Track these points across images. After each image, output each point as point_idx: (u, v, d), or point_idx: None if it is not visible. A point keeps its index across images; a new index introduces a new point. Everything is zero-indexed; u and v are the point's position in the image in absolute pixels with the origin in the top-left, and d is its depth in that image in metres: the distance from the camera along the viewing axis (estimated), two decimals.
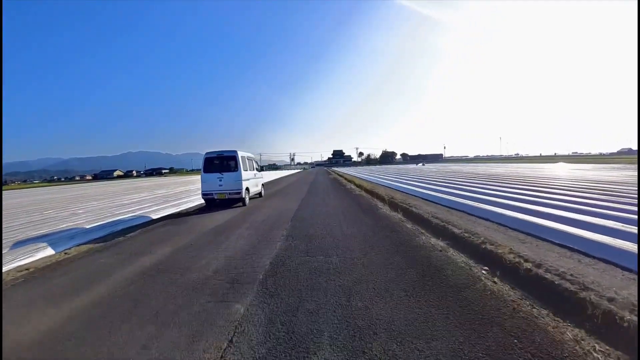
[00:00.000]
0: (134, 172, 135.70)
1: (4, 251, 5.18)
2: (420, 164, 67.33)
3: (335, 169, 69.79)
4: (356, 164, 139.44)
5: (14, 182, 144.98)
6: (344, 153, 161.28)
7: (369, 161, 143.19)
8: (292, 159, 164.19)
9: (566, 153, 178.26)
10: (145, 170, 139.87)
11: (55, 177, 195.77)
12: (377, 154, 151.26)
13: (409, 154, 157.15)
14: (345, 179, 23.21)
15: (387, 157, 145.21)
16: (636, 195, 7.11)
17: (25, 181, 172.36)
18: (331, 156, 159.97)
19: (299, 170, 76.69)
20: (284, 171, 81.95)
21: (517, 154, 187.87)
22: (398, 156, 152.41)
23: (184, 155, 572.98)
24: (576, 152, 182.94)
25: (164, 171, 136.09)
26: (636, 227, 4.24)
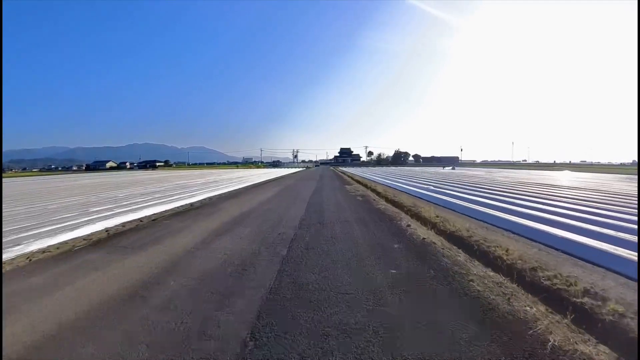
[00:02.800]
0: (127, 164, 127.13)
1: None
2: (450, 168, 56.27)
3: (345, 169, 59.38)
4: (365, 164, 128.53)
5: (12, 170, 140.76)
6: (352, 152, 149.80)
7: (379, 162, 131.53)
8: (296, 157, 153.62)
9: (577, 161, 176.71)
10: (139, 163, 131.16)
11: (52, 166, 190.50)
12: (386, 153, 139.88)
13: (421, 155, 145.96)
14: (388, 199, 12.34)
15: (400, 158, 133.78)
16: None
17: (24, 169, 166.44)
18: (338, 154, 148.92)
19: (299, 170, 63.98)
20: (281, 169, 71.64)
21: (525, 160, 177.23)
22: (410, 157, 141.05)
23: (189, 149, 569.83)
24: (584, 161, 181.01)
25: (158, 164, 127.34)
26: None
